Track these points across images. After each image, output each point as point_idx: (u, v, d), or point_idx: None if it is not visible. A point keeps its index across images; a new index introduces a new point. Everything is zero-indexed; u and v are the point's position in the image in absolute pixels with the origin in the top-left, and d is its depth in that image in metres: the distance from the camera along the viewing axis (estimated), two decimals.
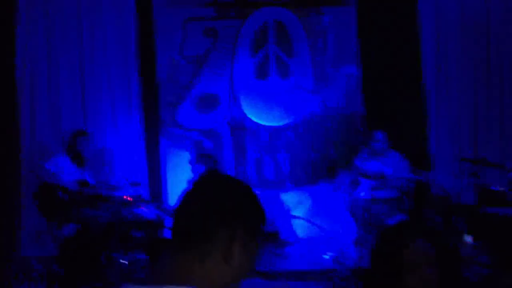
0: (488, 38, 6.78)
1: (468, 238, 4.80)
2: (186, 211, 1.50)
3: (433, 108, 6.80)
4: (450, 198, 6.32)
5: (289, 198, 7.00)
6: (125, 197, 6.18)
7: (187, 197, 1.54)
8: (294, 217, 6.93)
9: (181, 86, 7.03)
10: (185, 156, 6.71)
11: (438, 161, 6.74)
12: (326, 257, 5.81)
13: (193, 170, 5.33)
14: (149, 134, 6.89)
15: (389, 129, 6.21)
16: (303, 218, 6.93)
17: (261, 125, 7.05)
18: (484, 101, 6.80)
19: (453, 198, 6.23)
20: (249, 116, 7.05)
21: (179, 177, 6.47)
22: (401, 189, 5.91)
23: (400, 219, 5.83)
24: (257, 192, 5.46)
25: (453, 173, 6.57)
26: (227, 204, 1.49)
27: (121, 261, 5.36)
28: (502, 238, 4.68)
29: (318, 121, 7.06)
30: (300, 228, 6.93)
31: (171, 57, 7.03)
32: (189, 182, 5.30)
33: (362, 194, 5.96)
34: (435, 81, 6.81)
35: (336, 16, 7.06)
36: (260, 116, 7.06)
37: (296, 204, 7.00)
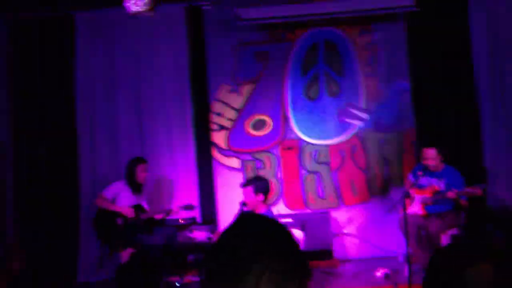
0: None
1: None
2: (221, 250, 1.57)
3: (488, 120, 6.62)
4: (510, 212, 6.10)
5: (341, 216, 6.97)
6: (180, 220, 6.35)
7: (223, 236, 1.61)
8: (346, 235, 6.89)
9: (233, 109, 7.17)
10: (237, 178, 6.81)
11: (495, 174, 6.52)
12: (378, 274, 5.73)
13: (244, 192, 5.38)
14: (201, 157, 7.05)
15: (443, 143, 6.09)
16: (355, 236, 6.88)
17: (312, 144, 7.08)
18: None
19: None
20: (301, 135, 7.10)
21: (231, 199, 6.59)
22: (455, 203, 5.77)
23: (455, 235, 5.69)
24: (309, 210, 5.50)
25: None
26: (256, 246, 1.53)
27: (176, 283, 5.50)
28: None
29: (370, 139, 7.03)
30: (353, 246, 6.89)
31: (223, 82, 7.18)
32: (241, 204, 5.37)
33: (415, 209, 5.85)
34: (490, 94, 6.63)
35: (386, 33, 7.03)
36: (312, 135, 7.09)
37: (350, 222, 6.95)
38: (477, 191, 5.47)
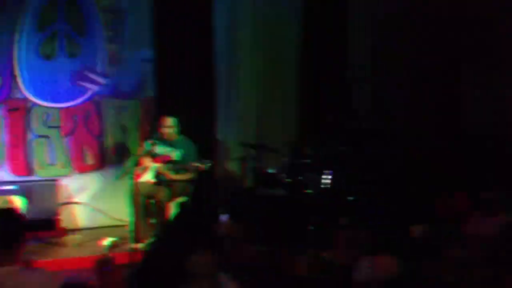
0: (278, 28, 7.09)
1: (224, 218, 5.03)
2: None
3: (223, 96, 6.98)
4: (233, 181, 6.58)
5: (73, 184, 6.70)
6: None
7: None
8: (76, 203, 6.64)
9: None
10: None
11: (225, 146, 6.93)
12: (106, 243, 5.62)
13: None
14: None
15: (181, 115, 6.22)
16: (85, 205, 6.66)
17: (45, 106, 6.63)
18: (268, 96, 7.17)
19: (236, 181, 6.49)
20: (30, 96, 6.58)
21: None
22: (187, 173, 5.94)
23: (182, 203, 5.88)
24: (36, 177, 5.24)
25: (237, 158, 6.81)
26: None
27: None
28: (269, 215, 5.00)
29: (109, 105, 6.85)
30: (83, 215, 6.69)
31: None
32: None
33: (146, 178, 5.87)
34: (227, 70, 7.04)
35: None
36: (42, 96, 6.63)
37: (80, 190, 6.73)
38: (201, 166, 5.79)
